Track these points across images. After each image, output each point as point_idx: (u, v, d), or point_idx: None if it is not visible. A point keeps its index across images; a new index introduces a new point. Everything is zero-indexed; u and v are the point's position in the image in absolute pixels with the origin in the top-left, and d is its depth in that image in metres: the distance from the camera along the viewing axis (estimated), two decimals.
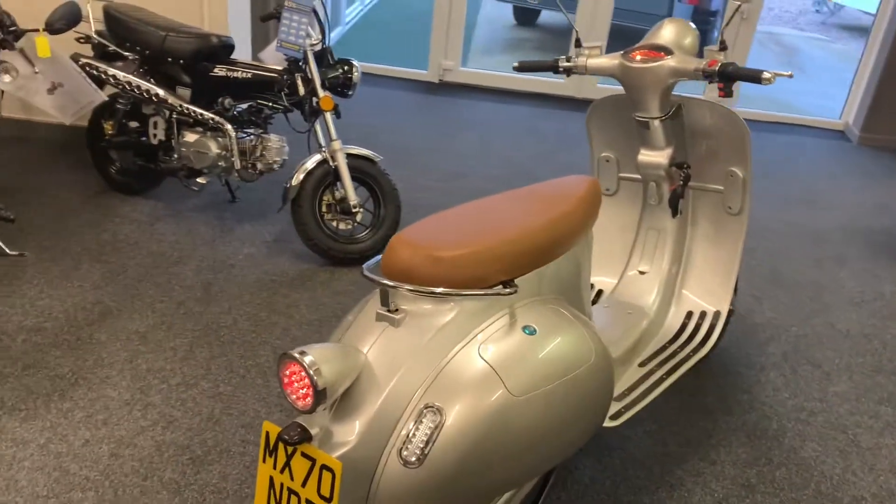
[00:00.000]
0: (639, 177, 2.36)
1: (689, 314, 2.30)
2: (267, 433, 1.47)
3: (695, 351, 2.19)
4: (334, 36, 6.75)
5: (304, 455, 1.41)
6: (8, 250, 2.92)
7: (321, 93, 2.95)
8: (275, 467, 1.47)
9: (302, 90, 3.00)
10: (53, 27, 2.82)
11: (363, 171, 3.07)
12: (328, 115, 2.99)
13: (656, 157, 2.18)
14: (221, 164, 3.13)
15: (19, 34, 2.70)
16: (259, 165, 3.16)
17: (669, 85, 2.08)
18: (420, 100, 5.40)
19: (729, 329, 2.90)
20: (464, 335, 1.50)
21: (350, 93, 3.12)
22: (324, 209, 3.07)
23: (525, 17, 9.08)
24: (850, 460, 2.28)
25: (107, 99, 3.18)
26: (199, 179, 3.19)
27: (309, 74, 2.97)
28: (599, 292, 2.44)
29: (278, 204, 3.43)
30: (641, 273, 2.32)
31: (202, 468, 2.02)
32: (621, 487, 2.10)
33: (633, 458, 2.21)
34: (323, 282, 2.97)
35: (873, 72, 5.36)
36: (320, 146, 3.00)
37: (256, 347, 2.53)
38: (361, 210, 3.06)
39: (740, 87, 5.55)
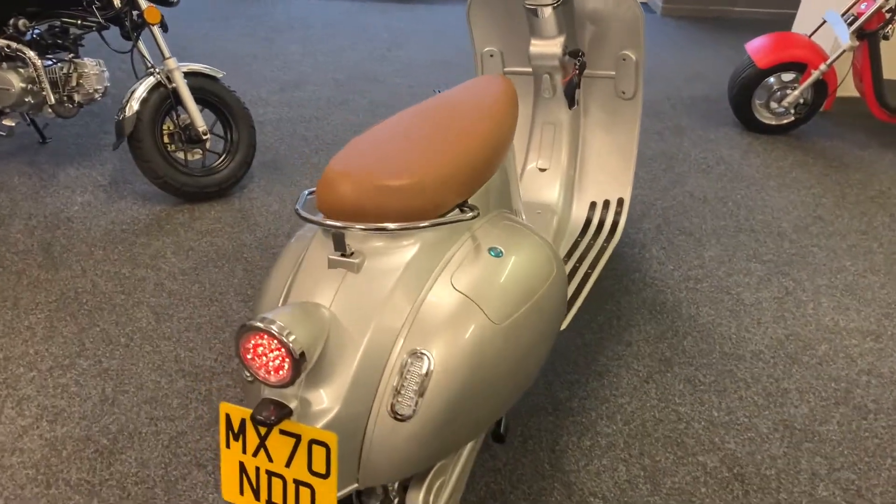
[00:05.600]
0: (527, 70, 2.27)
1: (593, 204, 2.30)
2: (227, 416, 1.27)
3: (607, 240, 2.20)
4: None
5: (283, 432, 1.24)
6: None
7: (144, 3, 2.52)
8: (244, 451, 1.28)
9: (118, 2, 2.54)
10: None
11: (205, 90, 2.71)
12: (156, 30, 2.57)
13: (549, 46, 2.08)
14: (29, 99, 2.62)
15: None
16: (77, 97, 2.69)
17: None
18: (227, 1, 4.87)
19: None
20: (432, 269, 1.37)
21: (175, 0, 2.69)
22: (166, 140, 2.70)
23: None
24: (740, 318, 2.46)
25: None
26: (4, 121, 2.66)
27: None
28: None
29: (98, 138, 2.98)
30: (541, 170, 2.26)
31: (114, 459, 1.76)
32: (555, 385, 2.11)
33: (557, 352, 2.23)
34: (183, 223, 2.64)
35: None
36: (148, 67, 2.60)
37: (131, 310, 2.21)
38: (210, 136, 2.72)
39: None
